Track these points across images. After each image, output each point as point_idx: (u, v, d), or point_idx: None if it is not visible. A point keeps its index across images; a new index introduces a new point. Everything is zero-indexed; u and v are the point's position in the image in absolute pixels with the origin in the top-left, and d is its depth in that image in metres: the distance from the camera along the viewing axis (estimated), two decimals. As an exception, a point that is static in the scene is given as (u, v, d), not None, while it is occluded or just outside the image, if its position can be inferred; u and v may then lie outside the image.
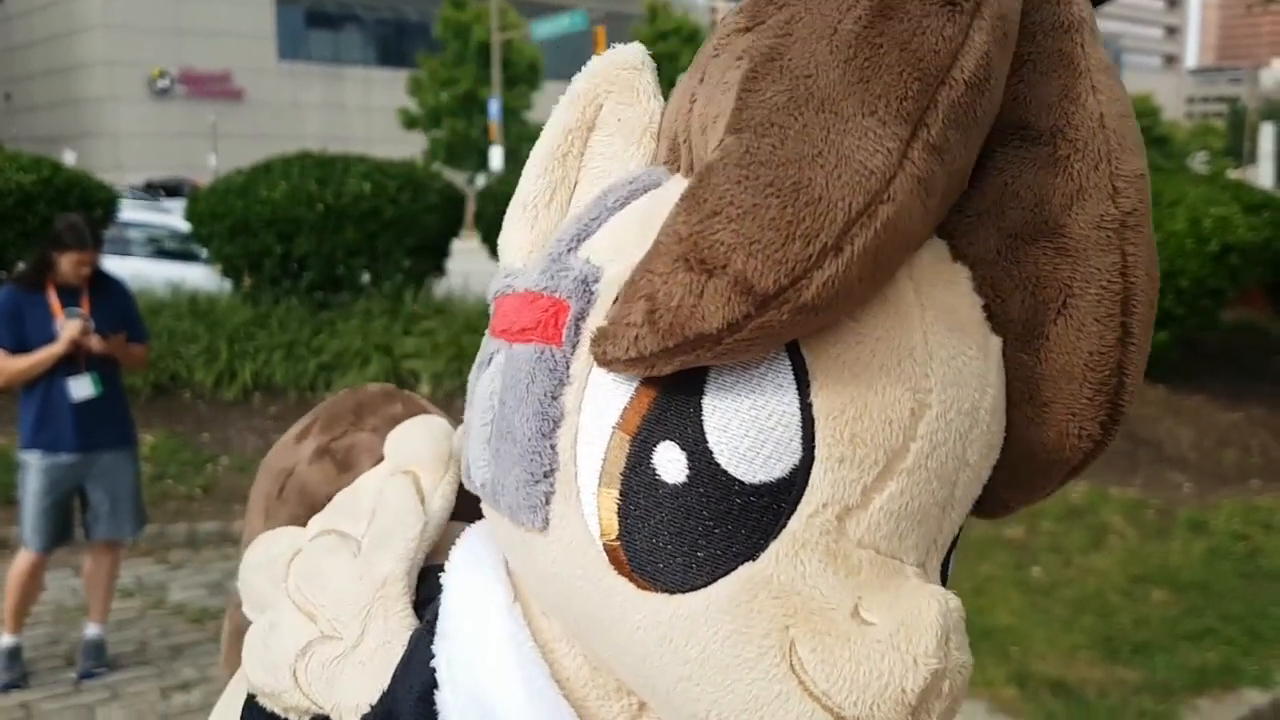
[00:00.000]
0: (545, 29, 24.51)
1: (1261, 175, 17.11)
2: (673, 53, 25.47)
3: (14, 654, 3.75)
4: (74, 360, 3.62)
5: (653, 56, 0.64)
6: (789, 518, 0.50)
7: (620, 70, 0.62)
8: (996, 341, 0.54)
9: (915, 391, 0.50)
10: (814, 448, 0.50)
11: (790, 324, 0.47)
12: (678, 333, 0.47)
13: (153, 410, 6.30)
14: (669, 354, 0.48)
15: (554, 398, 0.54)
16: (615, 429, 0.52)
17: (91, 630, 3.86)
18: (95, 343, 3.62)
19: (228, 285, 8.32)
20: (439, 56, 30.77)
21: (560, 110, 0.62)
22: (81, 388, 3.64)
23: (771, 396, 0.50)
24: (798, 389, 0.50)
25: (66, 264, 3.65)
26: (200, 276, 8.63)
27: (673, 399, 0.51)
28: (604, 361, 0.51)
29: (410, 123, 31.01)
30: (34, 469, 3.67)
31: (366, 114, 35.10)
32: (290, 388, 7.03)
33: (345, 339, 7.46)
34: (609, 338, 0.50)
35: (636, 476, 0.51)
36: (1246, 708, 3.62)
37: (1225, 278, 6.76)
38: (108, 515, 3.77)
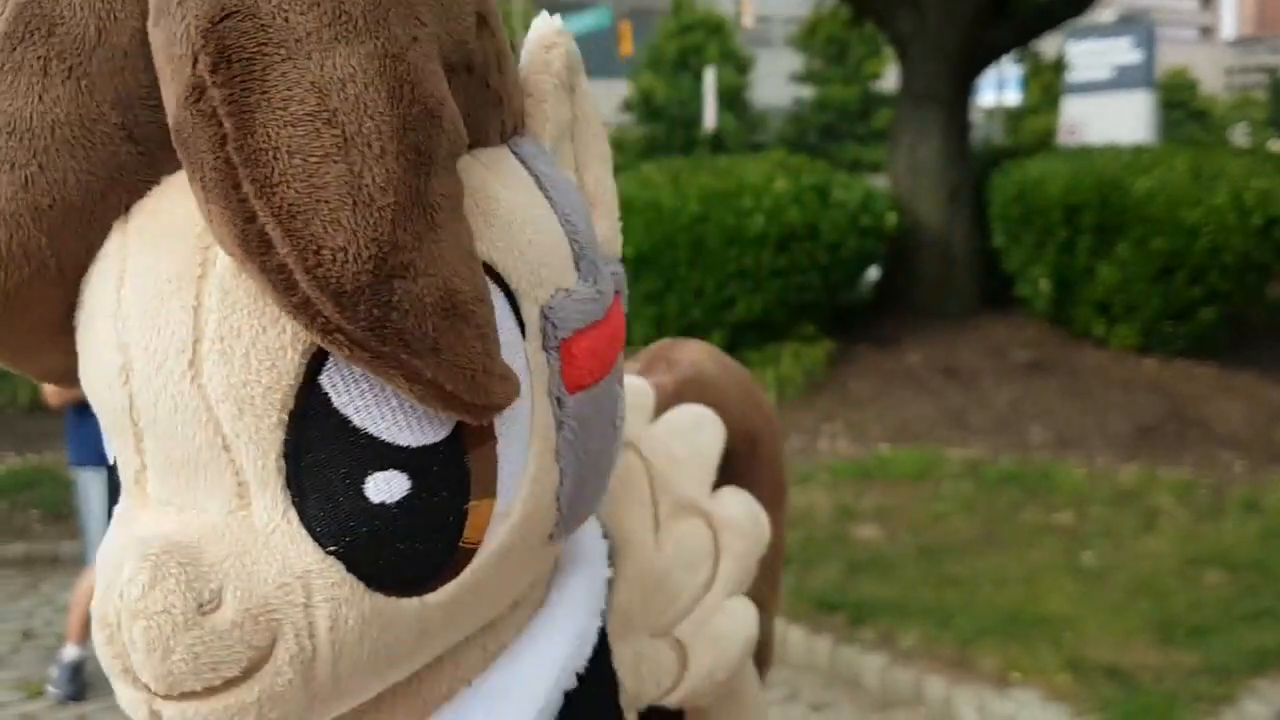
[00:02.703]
0: (570, 26, 24.33)
1: (1305, 145, 16.77)
2: (698, 45, 25.33)
3: (78, 667, 3.81)
4: None
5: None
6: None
7: None
8: (214, 268, 0.52)
9: (121, 350, 0.54)
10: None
11: None
12: None
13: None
14: None
15: None
16: None
17: (150, 640, 3.92)
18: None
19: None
20: (466, 58, 30.71)
21: None
22: None
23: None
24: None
25: None
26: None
27: None
28: None
29: (440, 126, 31.00)
30: (95, 485, 3.65)
31: (397, 119, 35.39)
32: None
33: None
34: None
35: None
36: (1308, 689, 3.57)
37: (1271, 252, 6.63)
38: (163, 527, 3.80)
